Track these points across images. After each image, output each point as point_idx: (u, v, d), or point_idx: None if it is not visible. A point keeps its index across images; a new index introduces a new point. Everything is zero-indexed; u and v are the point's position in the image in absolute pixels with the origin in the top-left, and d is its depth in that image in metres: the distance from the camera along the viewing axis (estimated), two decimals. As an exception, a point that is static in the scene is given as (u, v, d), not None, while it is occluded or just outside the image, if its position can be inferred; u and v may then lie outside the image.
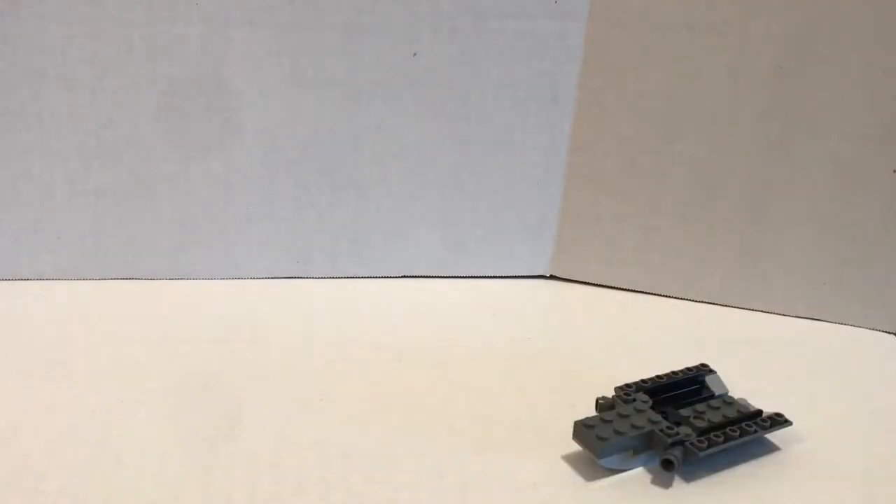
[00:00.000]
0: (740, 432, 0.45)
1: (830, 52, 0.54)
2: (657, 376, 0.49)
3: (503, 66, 0.57)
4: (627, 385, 0.48)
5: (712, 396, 0.49)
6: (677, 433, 0.44)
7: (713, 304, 0.61)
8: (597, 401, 0.47)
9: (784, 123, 0.56)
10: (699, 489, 0.44)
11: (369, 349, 0.54)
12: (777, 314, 0.60)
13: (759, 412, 0.47)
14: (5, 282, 0.59)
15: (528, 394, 0.50)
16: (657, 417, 0.45)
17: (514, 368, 0.52)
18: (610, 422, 0.44)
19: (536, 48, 0.57)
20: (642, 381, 0.48)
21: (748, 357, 0.56)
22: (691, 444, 0.44)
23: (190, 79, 0.55)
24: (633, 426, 0.44)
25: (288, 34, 0.55)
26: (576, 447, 0.45)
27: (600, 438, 0.43)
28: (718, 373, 0.50)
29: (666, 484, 0.44)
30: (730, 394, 0.49)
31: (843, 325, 0.59)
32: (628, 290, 0.63)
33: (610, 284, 0.63)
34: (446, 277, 0.63)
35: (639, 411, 0.45)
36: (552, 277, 0.64)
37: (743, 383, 0.52)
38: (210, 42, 0.55)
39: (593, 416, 0.45)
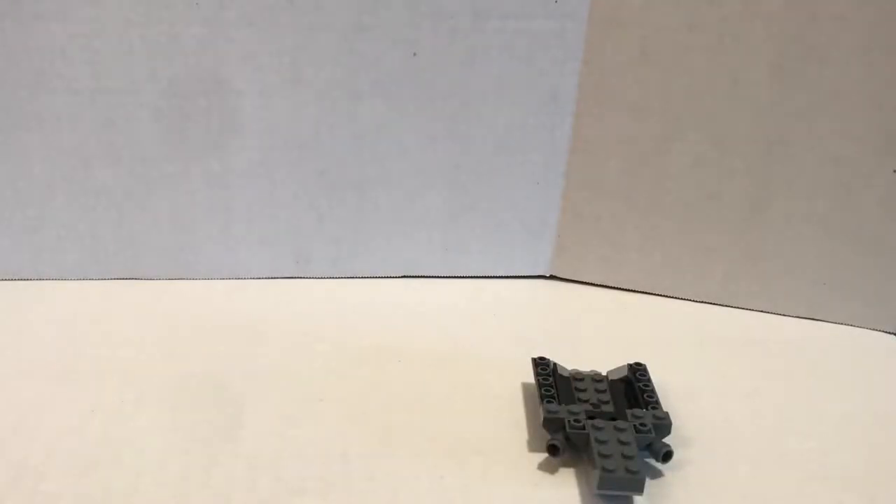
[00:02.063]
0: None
1: (831, 51, 0.54)
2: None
3: (503, 65, 0.57)
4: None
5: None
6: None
7: (713, 304, 0.61)
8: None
9: (784, 123, 0.56)
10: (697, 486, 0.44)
11: (369, 349, 0.54)
12: (777, 314, 0.60)
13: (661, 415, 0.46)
14: (5, 282, 0.59)
15: (529, 393, 0.50)
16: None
17: (514, 368, 0.52)
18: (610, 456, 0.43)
19: (536, 48, 0.57)
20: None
21: (748, 357, 0.56)
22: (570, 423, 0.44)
23: (189, 79, 0.55)
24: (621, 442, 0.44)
25: (288, 34, 0.55)
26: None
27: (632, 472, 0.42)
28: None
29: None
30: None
31: (843, 325, 0.60)
32: (628, 290, 0.63)
33: (610, 284, 0.63)
34: (446, 277, 0.63)
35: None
36: (552, 277, 0.64)
37: (742, 383, 0.53)
38: (210, 42, 0.55)
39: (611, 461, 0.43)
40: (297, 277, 0.62)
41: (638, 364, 0.50)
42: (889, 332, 0.59)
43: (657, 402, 0.47)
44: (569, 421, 0.45)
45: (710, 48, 0.55)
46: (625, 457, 0.42)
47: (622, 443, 0.43)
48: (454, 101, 0.58)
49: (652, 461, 0.45)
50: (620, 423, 0.45)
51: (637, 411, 0.46)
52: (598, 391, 0.48)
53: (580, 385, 0.49)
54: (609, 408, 0.47)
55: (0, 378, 0.49)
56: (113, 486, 0.41)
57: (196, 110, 0.56)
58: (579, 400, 0.47)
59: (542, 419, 0.46)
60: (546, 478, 0.44)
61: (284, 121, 0.57)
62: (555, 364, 0.50)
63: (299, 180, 0.59)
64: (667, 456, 0.44)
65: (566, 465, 0.45)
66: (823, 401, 0.51)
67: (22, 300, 0.57)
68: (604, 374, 0.50)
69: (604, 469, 0.41)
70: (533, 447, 0.46)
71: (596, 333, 0.58)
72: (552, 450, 0.44)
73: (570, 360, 0.52)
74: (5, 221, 0.58)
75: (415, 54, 0.56)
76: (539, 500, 0.42)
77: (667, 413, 0.46)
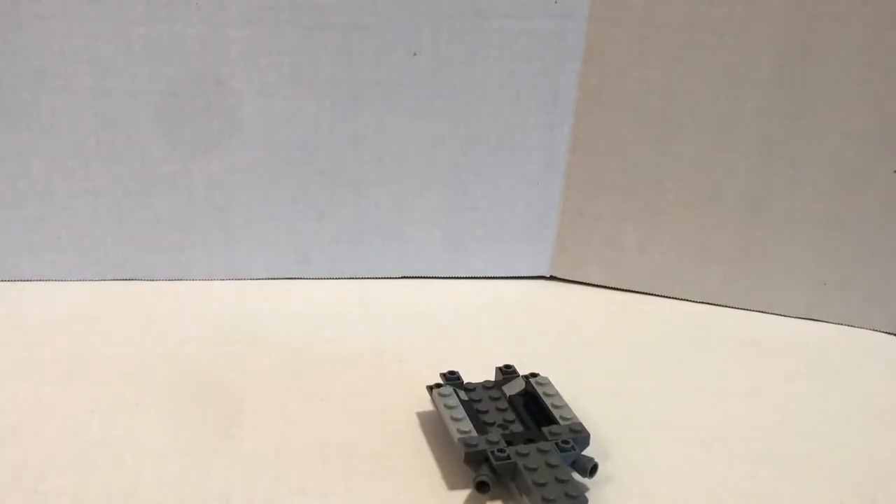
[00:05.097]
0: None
1: (830, 51, 0.54)
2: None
3: (503, 65, 0.57)
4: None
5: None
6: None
7: (713, 304, 0.61)
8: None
9: (784, 123, 0.56)
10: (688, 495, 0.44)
11: (369, 349, 0.54)
12: (777, 314, 0.61)
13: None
14: (5, 282, 0.59)
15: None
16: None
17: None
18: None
19: (536, 48, 0.57)
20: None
21: (748, 357, 0.56)
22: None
23: (189, 78, 0.55)
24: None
25: (287, 34, 0.55)
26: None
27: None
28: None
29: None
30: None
31: (843, 326, 0.60)
32: (628, 290, 0.63)
33: (610, 284, 0.63)
34: (446, 278, 0.63)
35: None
36: (552, 278, 0.64)
37: (742, 383, 0.53)
38: (209, 42, 0.55)
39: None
40: (297, 278, 0.62)
41: (534, 374, 0.48)
42: (889, 333, 0.59)
43: (570, 414, 0.45)
44: (492, 452, 0.42)
45: (710, 48, 0.55)
46: (559, 480, 0.40)
47: (551, 465, 0.41)
48: (454, 101, 0.58)
49: (577, 476, 0.42)
50: (543, 445, 0.42)
51: (554, 428, 0.44)
52: (499, 409, 0.45)
53: (480, 406, 0.46)
54: (517, 427, 0.44)
55: (0, 378, 0.49)
56: (113, 486, 0.41)
57: (196, 110, 0.56)
58: (485, 423, 0.44)
59: (462, 455, 0.42)
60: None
61: (284, 120, 0.57)
62: (454, 388, 0.47)
63: (299, 180, 0.59)
64: (593, 470, 0.42)
65: (492, 497, 0.42)
66: (823, 401, 0.51)
67: (22, 300, 0.57)
68: (493, 380, 0.48)
69: (544, 499, 0.39)
70: (453, 484, 0.43)
71: (596, 333, 0.58)
72: (482, 486, 0.41)
73: (570, 361, 0.52)
74: (5, 221, 0.58)
75: (415, 54, 0.56)
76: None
77: (582, 425, 0.44)
